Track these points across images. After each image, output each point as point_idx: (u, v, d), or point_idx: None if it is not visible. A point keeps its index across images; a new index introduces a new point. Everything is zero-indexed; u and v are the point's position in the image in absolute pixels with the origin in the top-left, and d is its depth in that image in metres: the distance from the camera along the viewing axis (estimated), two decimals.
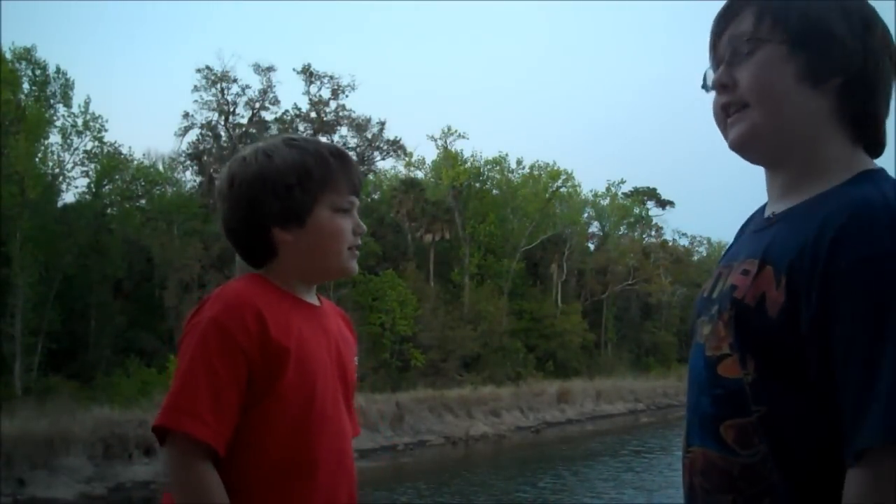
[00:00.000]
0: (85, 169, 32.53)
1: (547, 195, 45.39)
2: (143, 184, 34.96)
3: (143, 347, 29.78)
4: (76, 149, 31.70)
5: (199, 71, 35.83)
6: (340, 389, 1.65)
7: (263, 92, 36.84)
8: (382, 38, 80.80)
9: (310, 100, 38.67)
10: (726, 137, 1.28)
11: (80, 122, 31.49)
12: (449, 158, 44.13)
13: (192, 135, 37.03)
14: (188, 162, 37.87)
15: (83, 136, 31.62)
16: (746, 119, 1.24)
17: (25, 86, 30.78)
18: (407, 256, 40.41)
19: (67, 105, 31.56)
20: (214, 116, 36.78)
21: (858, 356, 1.06)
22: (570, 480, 22.99)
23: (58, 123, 31.28)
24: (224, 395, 1.47)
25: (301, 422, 1.54)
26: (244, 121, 37.21)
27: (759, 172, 1.33)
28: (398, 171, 45.52)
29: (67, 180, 32.33)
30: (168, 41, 72.24)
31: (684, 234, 59.59)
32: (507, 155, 47.30)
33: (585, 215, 51.79)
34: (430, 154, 58.18)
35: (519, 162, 47.56)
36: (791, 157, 1.25)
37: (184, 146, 37.17)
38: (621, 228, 55.03)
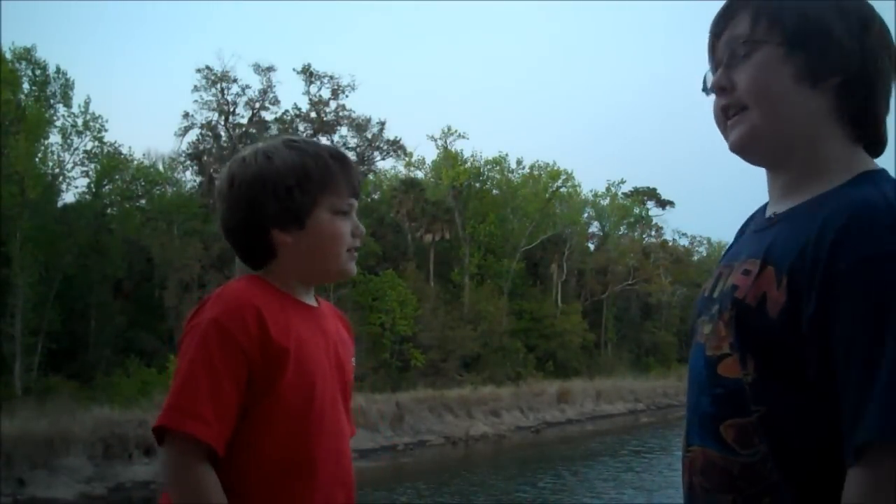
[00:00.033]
0: (85, 169, 32.59)
1: (547, 195, 45.40)
2: (143, 184, 34.96)
3: (143, 347, 29.78)
4: (76, 149, 31.74)
5: (199, 71, 35.89)
6: (339, 390, 1.65)
7: (263, 92, 36.88)
8: (382, 38, 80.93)
9: (310, 100, 38.71)
10: (727, 140, 1.28)
11: (80, 122, 31.52)
12: (449, 158, 44.14)
13: (192, 135, 37.10)
14: (188, 162, 37.89)
15: (83, 136, 31.64)
16: (745, 121, 1.24)
17: (25, 86, 30.79)
18: (407, 256, 40.41)
19: (67, 105, 31.60)
20: (214, 116, 36.83)
21: (858, 356, 1.06)
22: (570, 480, 23.00)
23: (58, 123, 31.33)
24: (224, 395, 1.48)
25: (300, 422, 1.55)
26: (244, 121, 37.23)
27: (759, 172, 1.33)
28: (398, 171, 45.61)
29: (67, 180, 32.39)
30: (168, 41, 72.32)
31: (684, 234, 59.70)
32: (507, 155, 47.42)
33: (585, 215, 51.82)
34: (430, 154, 58.28)
35: (519, 162, 47.66)
36: (791, 157, 1.25)
37: (184, 146, 37.24)
38: (621, 228, 55.04)
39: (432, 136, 45.25)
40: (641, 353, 50.52)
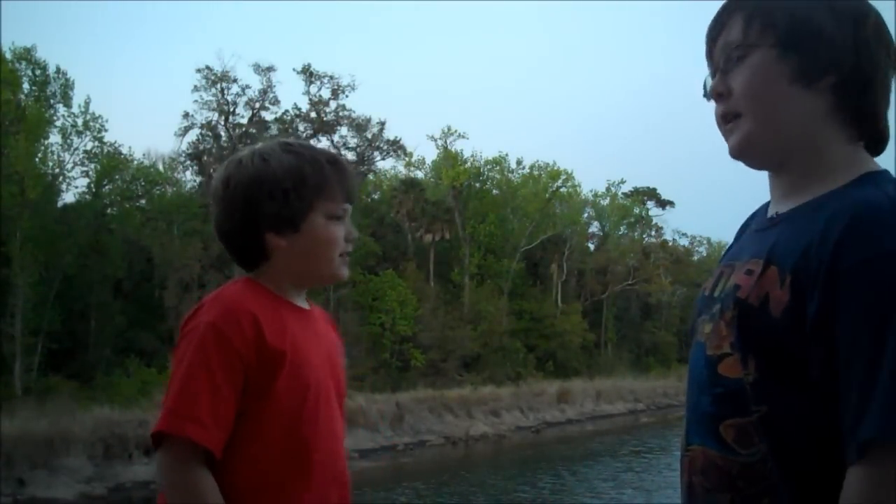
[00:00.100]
0: (85, 169, 32.56)
1: (547, 195, 45.40)
2: (143, 184, 34.94)
3: (143, 347, 29.79)
4: (76, 149, 31.71)
5: (199, 71, 35.86)
6: (333, 391, 1.66)
7: (263, 92, 36.86)
8: (382, 38, 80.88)
9: (310, 100, 38.70)
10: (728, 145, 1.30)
11: (80, 122, 31.49)
12: (449, 158, 44.13)
13: (192, 135, 37.07)
14: (188, 162, 37.87)
15: (83, 136, 31.62)
16: (739, 129, 1.25)
17: (25, 86, 30.78)
18: (407, 256, 40.41)
19: (67, 105, 31.58)
20: (214, 116, 36.80)
21: (861, 356, 1.06)
22: (570, 480, 23.01)
23: (58, 123, 31.30)
24: (222, 399, 1.49)
25: (295, 424, 1.55)
26: (244, 121, 37.22)
27: (759, 173, 1.33)
28: (398, 171, 45.61)
29: (67, 180, 32.36)
30: (168, 41, 72.31)
31: (684, 234, 59.67)
32: (507, 155, 47.40)
33: (585, 215, 51.82)
34: (430, 154, 58.24)
35: (519, 162, 47.65)
36: (791, 159, 1.25)
37: (184, 146, 37.21)
38: (621, 228, 55.03)
39: (432, 136, 45.28)
40: (641, 353, 50.52)
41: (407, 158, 44.49)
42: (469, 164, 44.96)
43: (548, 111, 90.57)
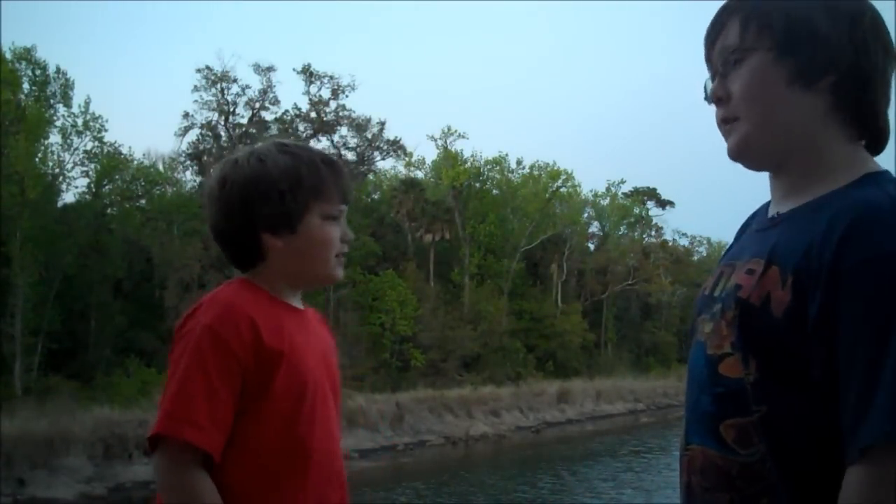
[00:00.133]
0: (85, 169, 32.55)
1: (547, 195, 45.39)
2: (143, 184, 34.93)
3: (143, 347, 29.78)
4: (76, 149, 31.70)
5: (199, 71, 35.86)
6: (329, 391, 1.66)
7: (263, 92, 36.86)
8: (383, 38, 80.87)
9: (310, 100, 38.69)
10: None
11: (80, 122, 31.48)
12: (449, 158, 44.13)
13: (192, 135, 37.07)
14: (188, 162, 37.85)
15: (83, 136, 31.61)
16: (737, 132, 1.25)
17: (25, 86, 30.77)
18: (407, 256, 40.41)
19: (67, 105, 31.57)
20: (214, 116, 36.81)
21: (862, 356, 1.06)
22: (570, 480, 23.01)
23: (58, 123, 31.29)
24: (219, 401, 1.48)
25: (293, 424, 1.55)
26: (244, 121, 37.22)
27: (758, 173, 1.33)
28: (398, 171, 45.59)
29: (67, 180, 32.34)
30: (168, 41, 72.26)
31: (684, 234, 59.65)
32: (507, 155, 47.37)
33: (585, 215, 51.81)
34: (430, 154, 58.25)
35: (519, 162, 47.63)
36: (791, 160, 1.25)
37: (184, 146, 37.20)
38: (621, 228, 55.04)
39: (432, 136, 45.28)
40: (641, 353, 50.53)
41: (407, 158, 44.55)
42: (469, 164, 44.97)
43: (548, 111, 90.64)
